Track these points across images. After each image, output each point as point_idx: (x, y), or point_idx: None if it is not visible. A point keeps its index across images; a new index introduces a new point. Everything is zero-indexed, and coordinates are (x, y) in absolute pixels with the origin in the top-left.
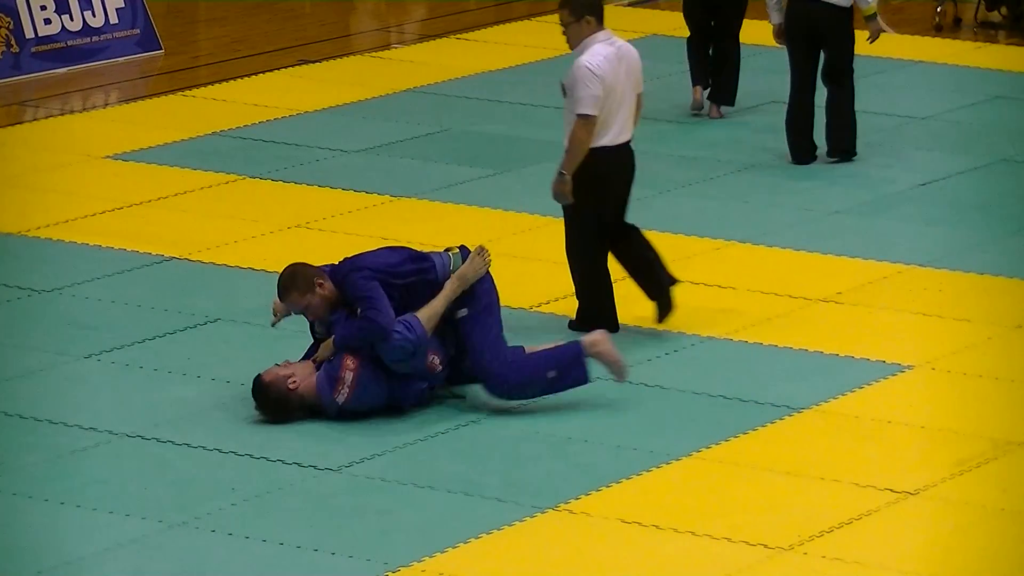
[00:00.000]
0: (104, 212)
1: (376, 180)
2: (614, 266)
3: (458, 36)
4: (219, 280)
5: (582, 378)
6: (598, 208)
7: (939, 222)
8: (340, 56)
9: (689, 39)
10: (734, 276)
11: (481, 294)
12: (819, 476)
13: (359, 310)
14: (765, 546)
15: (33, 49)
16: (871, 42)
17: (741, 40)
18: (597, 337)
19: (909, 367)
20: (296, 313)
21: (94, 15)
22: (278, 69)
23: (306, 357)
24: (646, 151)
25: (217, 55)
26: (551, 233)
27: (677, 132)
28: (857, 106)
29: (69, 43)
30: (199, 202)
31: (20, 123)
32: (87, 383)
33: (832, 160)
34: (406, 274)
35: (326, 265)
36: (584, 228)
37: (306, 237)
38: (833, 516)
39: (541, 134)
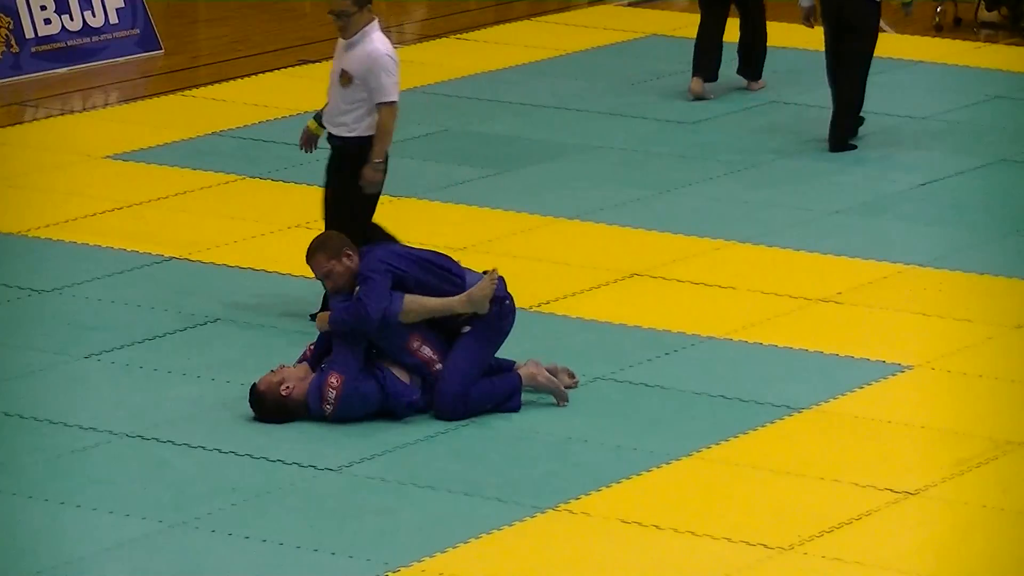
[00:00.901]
0: (104, 212)
1: None
2: None
3: (458, 36)
4: (219, 280)
5: (514, 409)
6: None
7: (939, 222)
8: None
9: (701, 26)
10: (734, 276)
11: (493, 334)
12: (819, 476)
13: (357, 288)
14: (765, 546)
15: (33, 49)
16: (908, 13)
17: (773, 43)
18: (532, 370)
19: (909, 367)
20: (318, 278)
21: (94, 15)
22: (278, 69)
23: (316, 348)
24: (646, 151)
25: (217, 55)
26: (551, 233)
27: (677, 132)
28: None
29: (69, 43)
30: (199, 202)
31: (20, 123)
32: (87, 383)
33: (832, 151)
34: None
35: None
36: (366, 215)
37: (306, 237)
38: (833, 516)
39: (541, 134)
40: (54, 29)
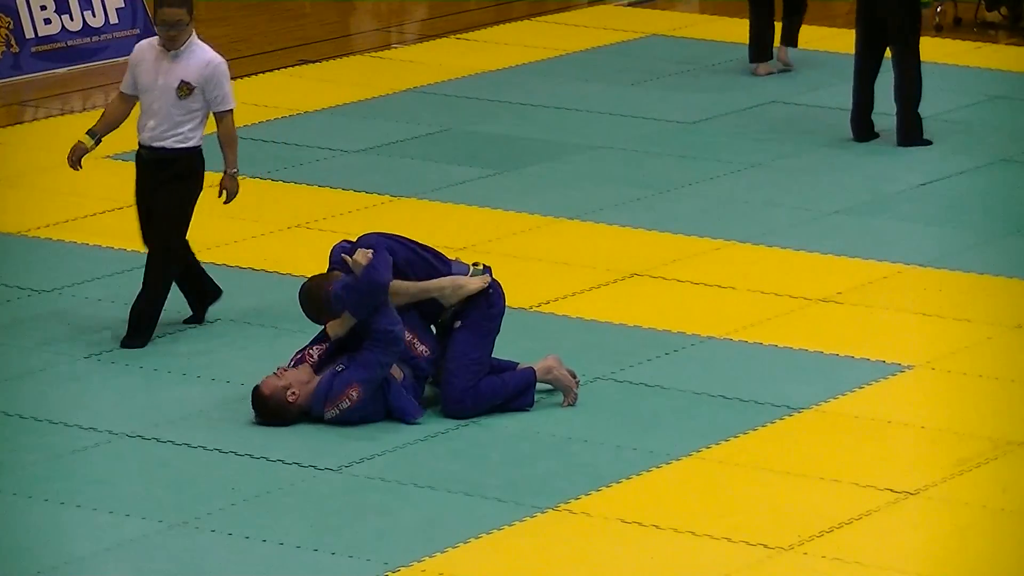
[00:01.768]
0: (104, 212)
1: (376, 180)
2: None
3: (458, 36)
4: (219, 280)
5: (526, 406)
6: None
7: (939, 222)
8: (340, 56)
9: (753, 13)
10: (734, 276)
11: (486, 321)
12: (819, 476)
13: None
14: (765, 546)
15: (33, 49)
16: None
17: (778, 44)
18: (551, 363)
19: (909, 367)
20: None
21: (94, 15)
22: (278, 69)
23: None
24: (646, 151)
25: None
26: (551, 233)
27: (677, 132)
28: None
29: (69, 43)
30: (199, 202)
31: (20, 123)
32: (87, 383)
33: (900, 146)
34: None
35: (345, 241)
36: (185, 226)
37: (306, 237)
38: (833, 516)
39: (541, 134)
40: (54, 29)
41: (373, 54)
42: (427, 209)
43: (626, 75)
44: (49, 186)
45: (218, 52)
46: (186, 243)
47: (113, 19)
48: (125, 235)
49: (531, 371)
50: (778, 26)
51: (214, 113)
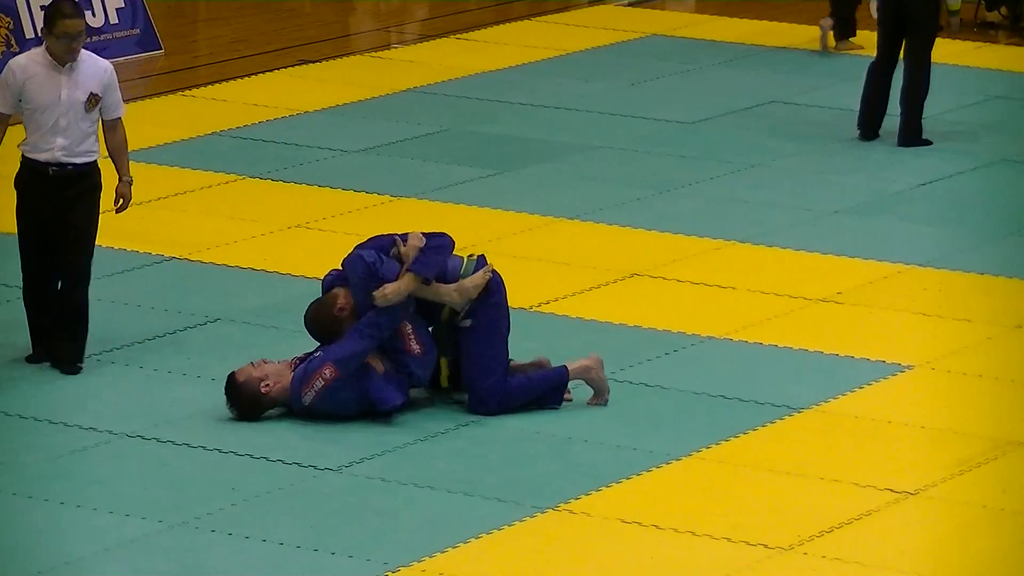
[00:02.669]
0: (104, 212)
1: (376, 180)
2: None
3: (458, 36)
4: (219, 280)
5: (554, 405)
6: None
7: (939, 222)
8: (340, 56)
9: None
10: (734, 276)
11: (491, 311)
12: (819, 476)
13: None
14: (765, 546)
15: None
16: (947, 32)
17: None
18: (591, 364)
19: (909, 367)
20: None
21: (94, 15)
22: (278, 69)
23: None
24: (646, 151)
25: (217, 55)
26: (551, 233)
27: (677, 132)
28: (856, 105)
29: None
30: (199, 202)
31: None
32: (87, 383)
33: (901, 146)
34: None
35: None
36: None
37: (306, 237)
38: (833, 516)
39: (541, 134)
40: None
41: (373, 54)
42: (427, 209)
43: (626, 75)
44: None
45: (215, 52)
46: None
47: (113, 19)
48: (125, 235)
49: (564, 371)
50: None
51: (107, 120)
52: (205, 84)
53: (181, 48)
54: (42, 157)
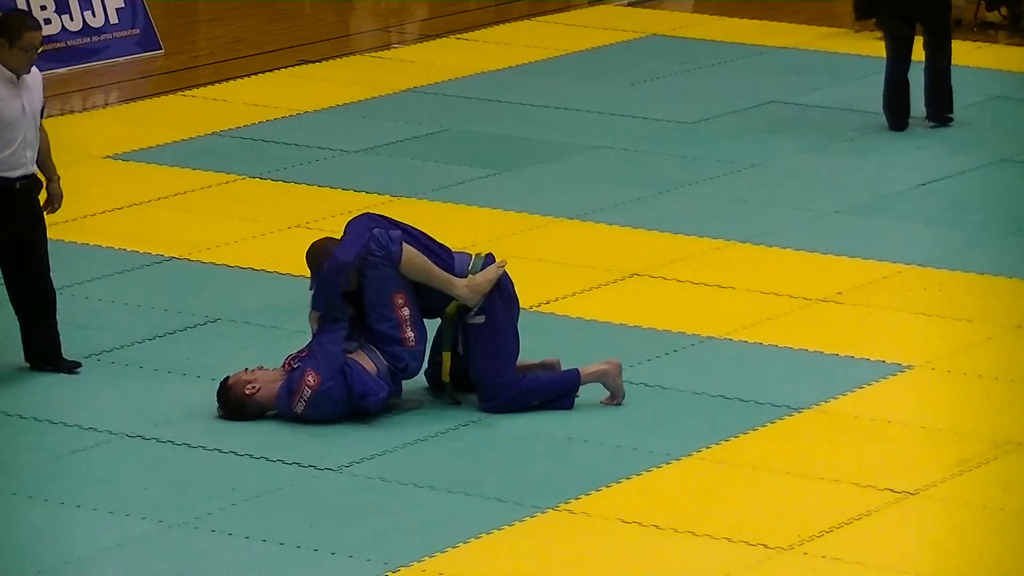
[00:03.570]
0: (104, 212)
1: (376, 180)
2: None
3: (458, 36)
4: (219, 280)
5: (566, 407)
6: None
7: (939, 222)
8: (340, 56)
9: None
10: (734, 276)
11: (503, 308)
12: (819, 476)
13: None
14: (765, 546)
15: None
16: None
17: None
18: (609, 370)
19: (909, 367)
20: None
21: (94, 15)
22: (278, 69)
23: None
24: (646, 151)
25: (217, 55)
26: (551, 233)
27: (677, 132)
28: (857, 106)
29: (69, 43)
30: (199, 202)
31: None
32: (87, 383)
33: (932, 125)
34: (420, 238)
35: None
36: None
37: (306, 237)
38: (833, 516)
39: (541, 134)
40: (54, 29)
41: (373, 54)
42: (427, 209)
43: (626, 75)
44: None
45: (215, 52)
46: None
47: (113, 19)
48: (125, 235)
49: (575, 375)
50: None
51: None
52: (205, 84)
53: (181, 48)
54: (15, 174)
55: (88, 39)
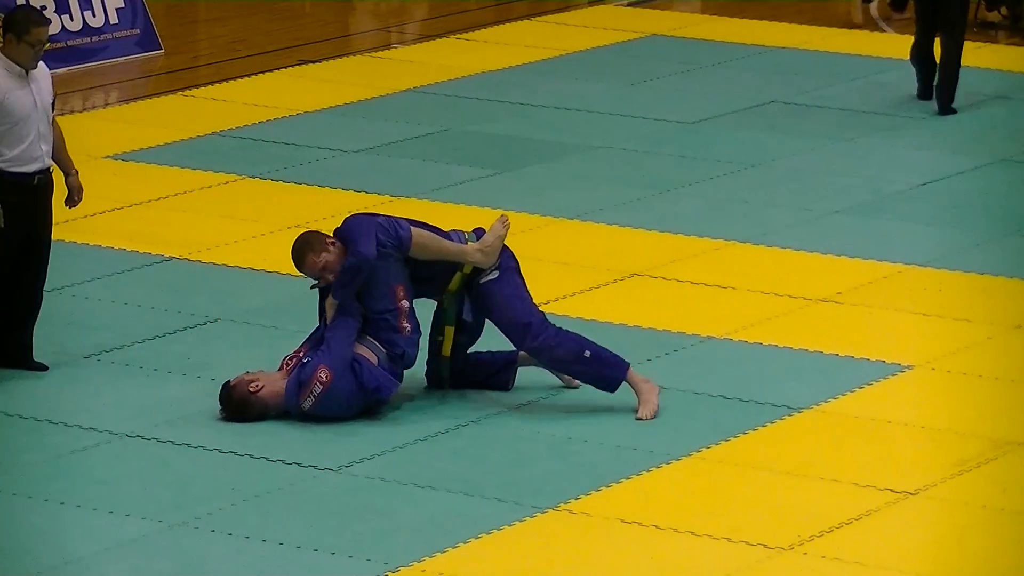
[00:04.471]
0: (104, 212)
1: (376, 180)
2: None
3: (458, 36)
4: (219, 280)
5: (613, 378)
6: None
7: (939, 222)
8: (340, 56)
9: None
10: (734, 276)
11: (506, 258)
12: (819, 476)
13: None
14: (765, 546)
15: None
16: None
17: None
18: (653, 386)
19: (909, 367)
20: (314, 280)
21: (94, 15)
22: (278, 69)
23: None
24: (646, 151)
25: (217, 55)
26: (551, 233)
27: (677, 132)
28: (858, 105)
29: (69, 43)
30: (199, 202)
31: None
32: (87, 383)
33: (938, 114)
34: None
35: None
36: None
37: None
38: (833, 516)
39: (541, 134)
40: (54, 29)
41: (373, 54)
42: (427, 209)
43: (626, 75)
44: None
45: (215, 52)
46: None
47: (113, 19)
48: (125, 235)
49: (626, 363)
50: None
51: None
52: (205, 84)
53: (181, 48)
54: (32, 168)
55: (88, 39)
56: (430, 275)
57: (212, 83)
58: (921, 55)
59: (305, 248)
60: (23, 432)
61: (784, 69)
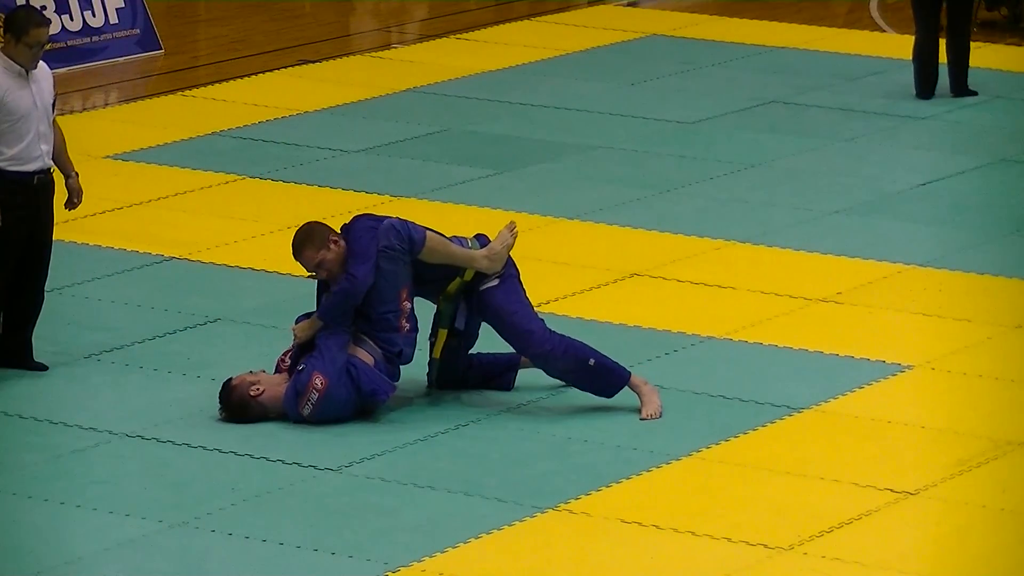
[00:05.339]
0: (104, 212)
1: (376, 180)
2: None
3: (458, 36)
4: (219, 280)
5: (614, 387)
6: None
7: (939, 222)
8: (340, 56)
9: None
10: (734, 276)
11: (506, 268)
12: (819, 476)
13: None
14: (765, 546)
15: None
16: None
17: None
18: (652, 387)
19: (909, 367)
20: (309, 272)
21: (94, 15)
22: (278, 69)
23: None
24: (646, 151)
25: (217, 55)
26: (551, 233)
27: (677, 132)
28: (858, 106)
29: (69, 43)
30: (199, 202)
31: None
32: (87, 383)
33: (955, 97)
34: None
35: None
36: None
37: None
38: (833, 516)
39: (541, 134)
40: (54, 29)
41: (373, 54)
42: (427, 209)
43: (626, 75)
44: None
45: (215, 52)
46: None
47: (113, 19)
48: (125, 235)
49: (625, 373)
50: None
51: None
52: (205, 84)
53: (181, 48)
54: (31, 167)
55: (88, 39)
56: (432, 278)
57: (212, 83)
58: (923, 55)
59: (307, 241)
60: (23, 432)
61: (784, 69)
